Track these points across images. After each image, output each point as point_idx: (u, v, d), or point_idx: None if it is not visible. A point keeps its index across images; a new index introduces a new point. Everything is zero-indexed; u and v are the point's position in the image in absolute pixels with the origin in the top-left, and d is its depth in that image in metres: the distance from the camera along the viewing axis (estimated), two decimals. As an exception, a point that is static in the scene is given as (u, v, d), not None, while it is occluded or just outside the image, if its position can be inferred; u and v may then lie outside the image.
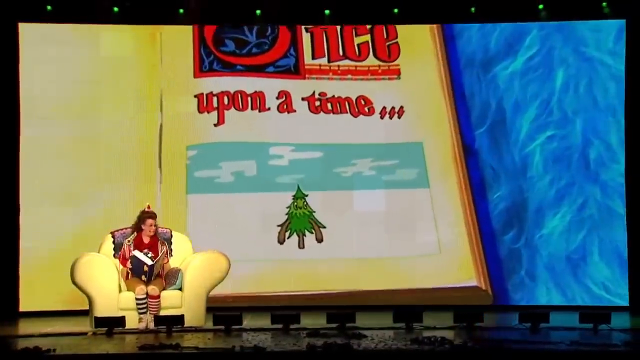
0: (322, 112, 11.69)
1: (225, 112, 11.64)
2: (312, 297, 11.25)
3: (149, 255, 9.31)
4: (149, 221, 9.41)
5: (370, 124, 11.58)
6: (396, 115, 11.61)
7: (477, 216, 11.40)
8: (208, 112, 11.64)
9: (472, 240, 11.29)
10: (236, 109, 11.64)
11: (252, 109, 11.62)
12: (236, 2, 11.21)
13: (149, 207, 9.57)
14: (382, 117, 11.63)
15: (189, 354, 7.70)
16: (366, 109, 11.67)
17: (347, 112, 11.66)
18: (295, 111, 11.63)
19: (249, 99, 11.68)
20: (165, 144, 11.52)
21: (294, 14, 11.23)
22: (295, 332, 8.73)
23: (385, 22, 11.31)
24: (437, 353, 7.63)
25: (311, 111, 11.65)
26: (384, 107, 11.61)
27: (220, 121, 11.59)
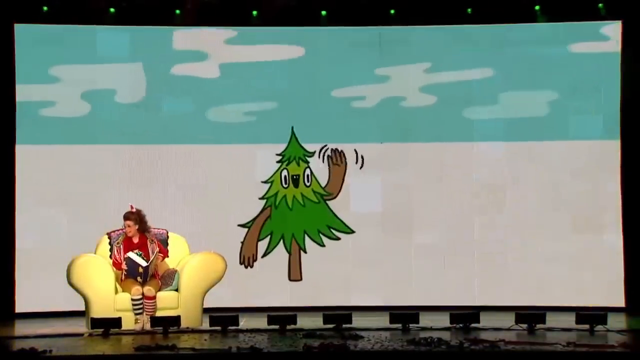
0: None
1: None
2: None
3: (141, 254, 9.28)
4: (124, 222, 9.39)
5: None
6: None
7: None
8: None
9: None
10: None
11: None
12: (233, 3, 11.19)
13: (131, 207, 9.54)
14: None
15: (185, 355, 7.70)
16: None
17: None
18: None
19: None
20: None
21: (291, 15, 11.18)
22: (291, 333, 8.73)
23: (383, 24, 11.25)
24: (434, 354, 7.63)
25: None
26: None
27: None
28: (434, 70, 10.98)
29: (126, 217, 9.41)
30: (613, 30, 11.07)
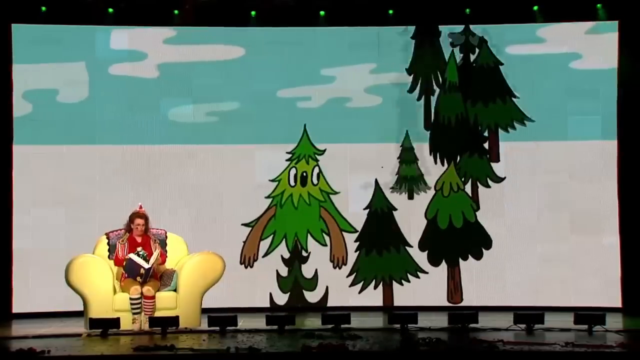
0: None
1: None
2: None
3: (144, 253, 9.27)
4: (138, 221, 9.38)
5: None
6: None
7: None
8: None
9: None
10: None
11: None
12: (231, 4, 11.17)
13: (140, 207, 9.54)
14: None
15: (184, 355, 7.69)
16: None
17: None
18: None
19: None
20: None
21: (289, 16, 11.16)
22: (290, 334, 8.73)
23: (381, 24, 11.24)
24: (433, 354, 7.63)
25: None
26: None
27: None
28: (431, 69, 11.04)
29: (137, 216, 9.41)
30: (612, 30, 11.09)
